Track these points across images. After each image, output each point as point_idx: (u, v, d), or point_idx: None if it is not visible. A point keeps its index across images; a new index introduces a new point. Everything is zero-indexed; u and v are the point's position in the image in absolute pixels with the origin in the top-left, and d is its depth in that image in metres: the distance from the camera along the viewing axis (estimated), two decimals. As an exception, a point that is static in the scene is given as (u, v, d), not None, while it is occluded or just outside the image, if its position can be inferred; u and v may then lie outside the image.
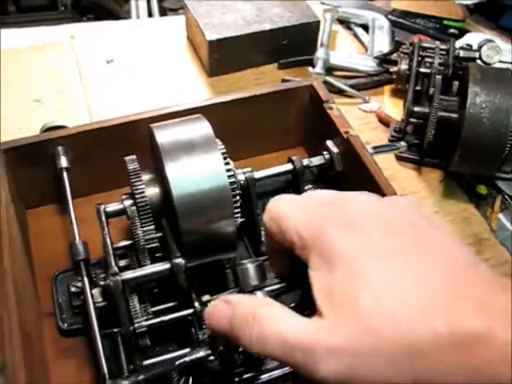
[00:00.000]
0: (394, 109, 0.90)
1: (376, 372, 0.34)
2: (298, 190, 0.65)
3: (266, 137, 0.77)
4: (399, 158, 0.83)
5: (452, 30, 1.05)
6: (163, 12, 1.87)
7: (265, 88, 0.73)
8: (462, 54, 0.82)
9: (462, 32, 1.04)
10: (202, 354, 0.51)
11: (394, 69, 0.89)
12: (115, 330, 0.54)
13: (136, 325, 0.52)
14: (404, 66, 0.86)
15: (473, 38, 0.97)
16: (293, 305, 0.58)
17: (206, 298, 0.53)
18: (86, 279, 0.56)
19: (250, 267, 0.51)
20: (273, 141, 0.79)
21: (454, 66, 0.81)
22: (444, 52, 0.82)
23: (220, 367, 0.55)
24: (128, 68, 0.94)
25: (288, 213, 0.42)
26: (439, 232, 0.39)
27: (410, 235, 0.38)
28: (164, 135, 0.54)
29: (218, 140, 0.55)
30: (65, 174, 0.64)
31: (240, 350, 0.56)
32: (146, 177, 0.56)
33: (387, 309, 0.34)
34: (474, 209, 0.79)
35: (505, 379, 0.31)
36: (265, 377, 0.56)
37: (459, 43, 0.92)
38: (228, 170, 0.53)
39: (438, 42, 0.83)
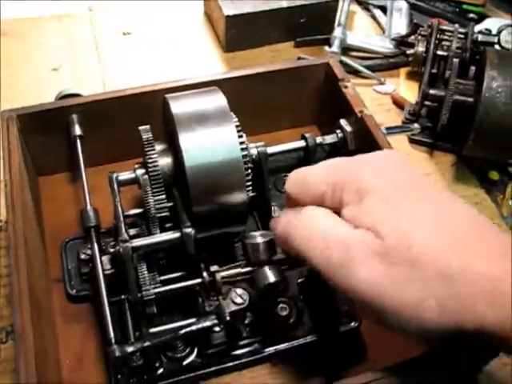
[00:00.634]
0: (409, 91, 0.90)
1: (409, 290, 0.38)
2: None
3: (280, 113, 0.77)
4: (412, 141, 0.83)
5: (471, 15, 1.04)
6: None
7: (280, 64, 0.72)
8: (480, 38, 0.82)
9: (482, 17, 1.02)
10: (208, 323, 0.51)
11: (410, 51, 0.88)
12: (123, 296, 0.54)
13: (144, 292, 0.52)
14: (421, 49, 0.85)
15: (492, 24, 0.96)
16: (300, 280, 0.60)
17: (214, 268, 0.53)
18: (95, 245, 0.56)
19: (260, 242, 0.52)
20: (286, 118, 0.78)
21: (471, 51, 0.80)
22: (462, 36, 0.81)
23: (225, 338, 0.56)
24: (145, 41, 0.94)
25: (312, 170, 0.48)
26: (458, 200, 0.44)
27: (433, 192, 0.43)
28: (179, 106, 0.54)
29: (232, 113, 0.55)
30: (78, 142, 0.64)
31: (246, 322, 0.57)
32: (159, 147, 0.56)
33: (421, 235, 0.39)
34: (485, 194, 0.79)
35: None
36: (269, 349, 0.57)
37: (478, 28, 0.91)
38: (241, 143, 0.53)
39: (456, 25, 0.82)
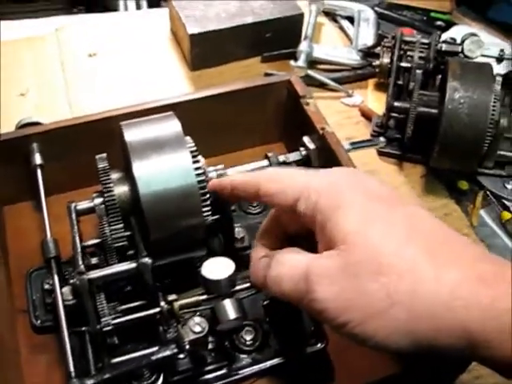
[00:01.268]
0: (377, 103, 0.90)
1: (374, 300, 0.38)
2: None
3: (247, 132, 0.77)
4: (381, 153, 0.83)
5: (439, 23, 1.04)
6: (157, 4, 1.85)
7: (242, 83, 0.72)
8: (444, 47, 0.82)
9: (449, 24, 1.03)
10: (168, 352, 0.50)
11: (376, 62, 0.88)
12: (84, 328, 0.54)
13: (103, 323, 0.52)
14: (386, 60, 0.85)
15: (459, 31, 0.96)
16: (265, 302, 0.59)
17: (172, 297, 0.53)
18: (56, 277, 0.56)
19: (221, 279, 0.52)
20: (253, 136, 0.78)
21: (436, 61, 0.80)
22: (426, 46, 0.81)
23: (191, 364, 0.55)
24: (111, 62, 0.94)
25: (287, 171, 0.49)
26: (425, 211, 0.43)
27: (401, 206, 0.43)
28: (132, 133, 0.54)
29: (188, 138, 0.54)
30: (39, 172, 0.64)
31: (209, 347, 0.56)
32: (116, 175, 0.56)
33: (392, 247, 0.39)
34: (455, 205, 0.79)
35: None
36: (236, 374, 0.56)
37: (445, 36, 0.91)
38: (197, 169, 0.53)
39: (419, 36, 0.82)
